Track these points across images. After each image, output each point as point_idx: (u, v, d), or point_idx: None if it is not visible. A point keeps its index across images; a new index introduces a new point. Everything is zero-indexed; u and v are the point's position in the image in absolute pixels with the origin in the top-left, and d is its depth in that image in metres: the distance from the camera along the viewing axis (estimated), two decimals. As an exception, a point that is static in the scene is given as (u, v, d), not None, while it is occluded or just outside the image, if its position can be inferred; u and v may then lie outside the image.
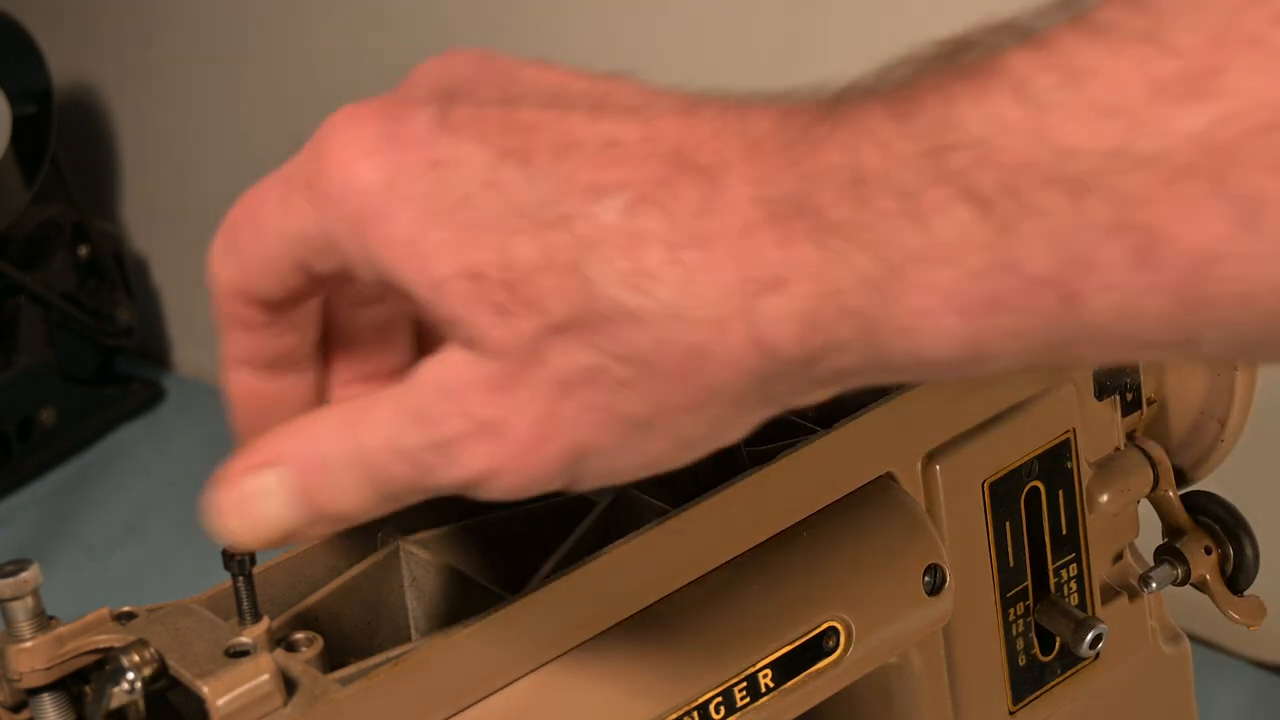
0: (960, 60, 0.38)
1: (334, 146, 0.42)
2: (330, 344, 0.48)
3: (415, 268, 0.41)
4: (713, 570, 0.55)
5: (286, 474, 0.44)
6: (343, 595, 0.54)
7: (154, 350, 1.66)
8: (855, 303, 0.38)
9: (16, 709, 0.48)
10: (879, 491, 0.58)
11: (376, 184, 0.41)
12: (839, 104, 0.39)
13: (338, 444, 0.43)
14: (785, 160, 0.39)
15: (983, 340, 0.38)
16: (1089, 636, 0.62)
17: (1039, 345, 0.38)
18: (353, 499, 0.44)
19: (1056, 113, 0.35)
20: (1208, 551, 0.67)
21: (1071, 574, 0.64)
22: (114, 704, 0.46)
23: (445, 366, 0.42)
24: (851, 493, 0.58)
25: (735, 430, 0.42)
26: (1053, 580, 0.64)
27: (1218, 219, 0.34)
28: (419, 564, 0.55)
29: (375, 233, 0.41)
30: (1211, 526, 0.67)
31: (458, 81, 0.44)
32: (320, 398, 0.48)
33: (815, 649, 0.55)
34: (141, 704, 0.46)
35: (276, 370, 0.47)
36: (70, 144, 1.57)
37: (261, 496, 0.44)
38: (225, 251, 0.45)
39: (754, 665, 0.54)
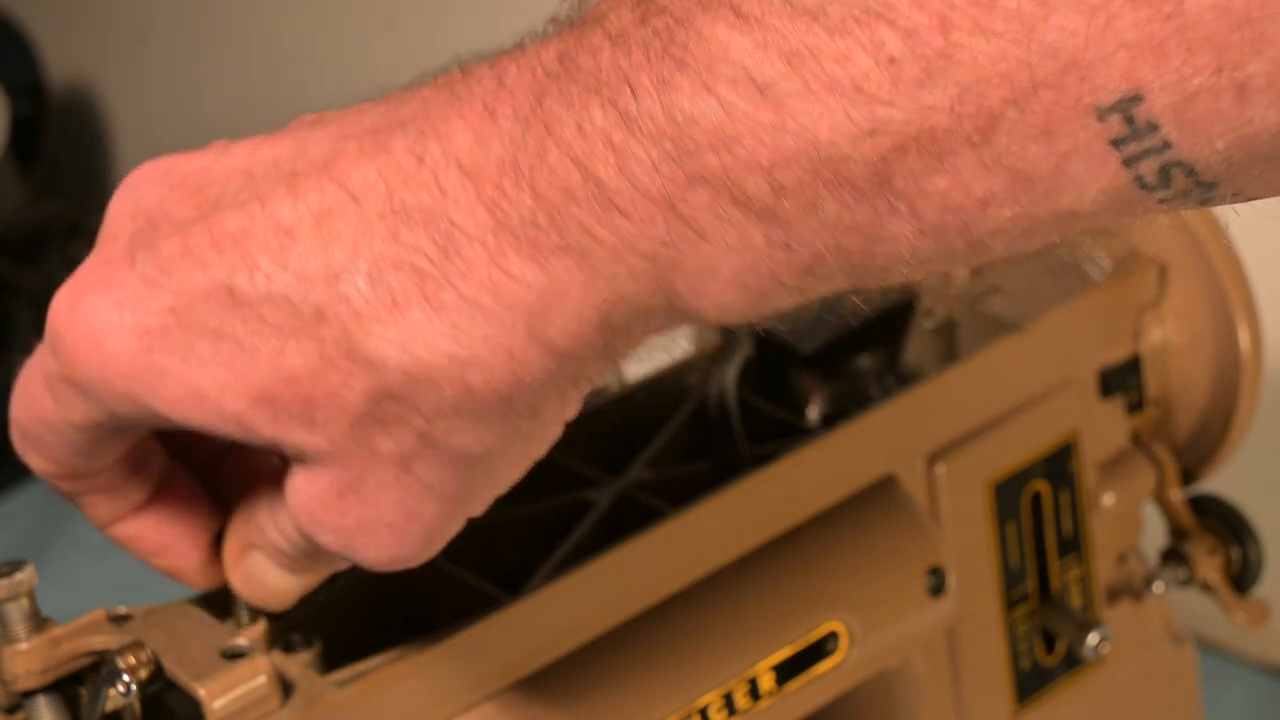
0: (654, 31, 0.36)
1: (73, 337, 0.41)
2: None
3: (210, 414, 0.41)
4: (713, 571, 0.55)
5: (262, 555, 0.47)
6: (341, 596, 0.54)
7: (151, 350, 1.66)
8: (637, 298, 0.38)
9: (11, 711, 0.48)
10: (881, 493, 0.58)
11: (131, 354, 0.41)
12: (541, 97, 0.38)
13: (273, 538, 0.46)
14: (512, 180, 0.38)
15: (770, 300, 0.38)
16: (1093, 639, 0.62)
17: (829, 288, 0.38)
18: (316, 565, 0.47)
19: (794, 102, 0.35)
20: (1212, 553, 0.67)
21: (1076, 576, 0.64)
22: (109, 706, 0.46)
23: (294, 492, 0.42)
24: (853, 494, 0.58)
25: (572, 407, 0.42)
26: (1056, 582, 0.63)
27: (991, 183, 0.34)
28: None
29: (157, 397, 0.41)
30: (1216, 528, 0.67)
31: (151, 211, 0.43)
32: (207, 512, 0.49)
33: (817, 651, 0.55)
34: (137, 706, 0.46)
35: (148, 507, 0.48)
36: (68, 143, 1.57)
37: (260, 575, 0.47)
38: (29, 450, 0.45)
39: (755, 667, 0.54)
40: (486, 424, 0.40)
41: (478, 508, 0.43)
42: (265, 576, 0.47)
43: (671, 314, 0.39)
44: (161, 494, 0.48)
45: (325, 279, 0.39)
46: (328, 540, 0.43)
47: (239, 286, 0.40)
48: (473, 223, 0.38)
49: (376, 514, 0.42)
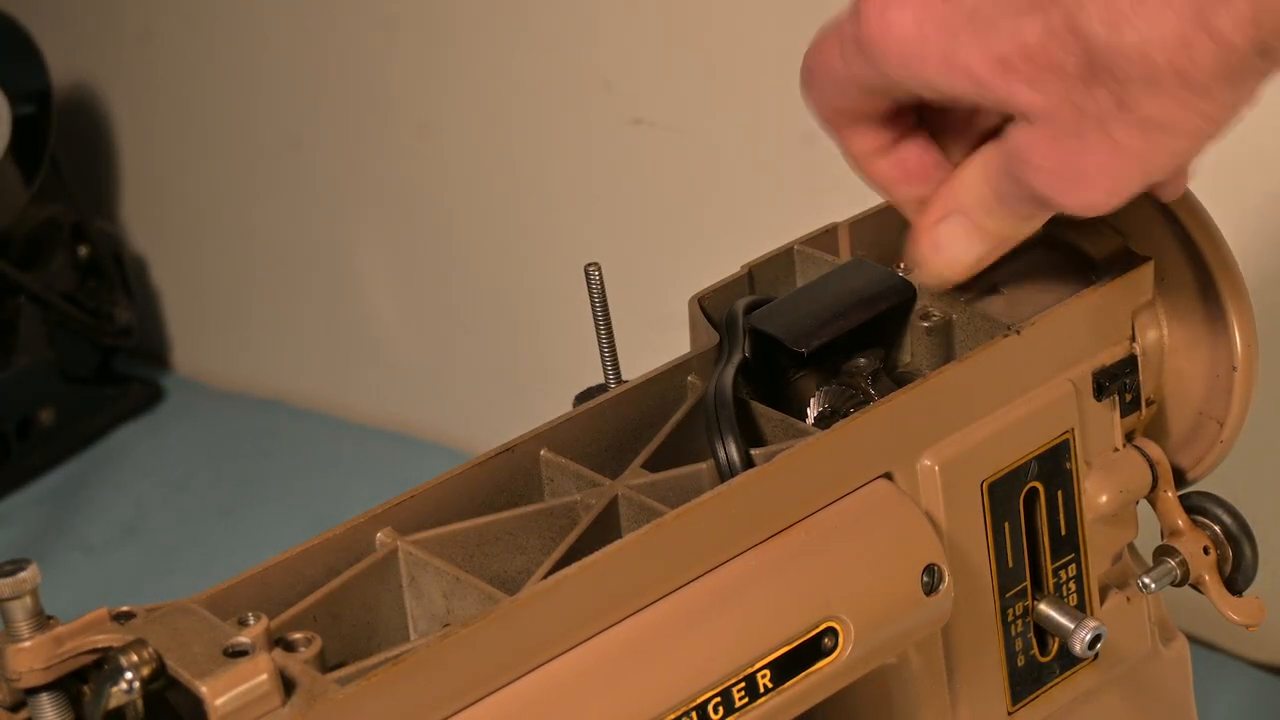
0: None
1: (871, 11, 0.53)
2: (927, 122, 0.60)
3: (960, 79, 0.52)
4: (711, 570, 0.55)
5: (961, 219, 0.58)
6: (341, 595, 0.54)
7: (153, 350, 1.66)
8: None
9: (15, 709, 0.48)
10: (877, 491, 0.58)
11: (909, 31, 0.52)
12: None
13: (979, 192, 0.57)
14: None
15: None
16: (1087, 637, 0.62)
17: None
18: (1004, 225, 0.57)
19: None
20: (1206, 552, 0.67)
21: (1070, 574, 0.64)
22: (112, 704, 0.46)
23: (1013, 136, 0.53)
24: (850, 493, 0.58)
25: (1241, 97, 0.51)
26: (1051, 580, 0.64)
27: None
28: (418, 564, 0.55)
29: (921, 64, 0.53)
30: (1210, 527, 0.67)
31: None
32: (940, 160, 0.60)
33: (814, 649, 0.56)
34: (140, 704, 0.47)
35: (891, 150, 0.59)
36: (70, 144, 1.57)
37: (952, 240, 0.58)
38: (809, 88, 0.58)
39: (752, 665, 0.54)
40: (1169, 96, 0.50)
41: (1157, 174, 0.53)
42: (952, 243, 0.58)
43: None
44: (905, 143, 0.59)
45: None
46: (1033, 177, 0.53)
47: None
48: None
49: (1075, 161, 0.52)
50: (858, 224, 0.67)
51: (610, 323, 0.63)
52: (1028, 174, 0.54)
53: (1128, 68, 0.50)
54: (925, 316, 0.64)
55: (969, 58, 0.52)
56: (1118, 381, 0.65)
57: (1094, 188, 0.53)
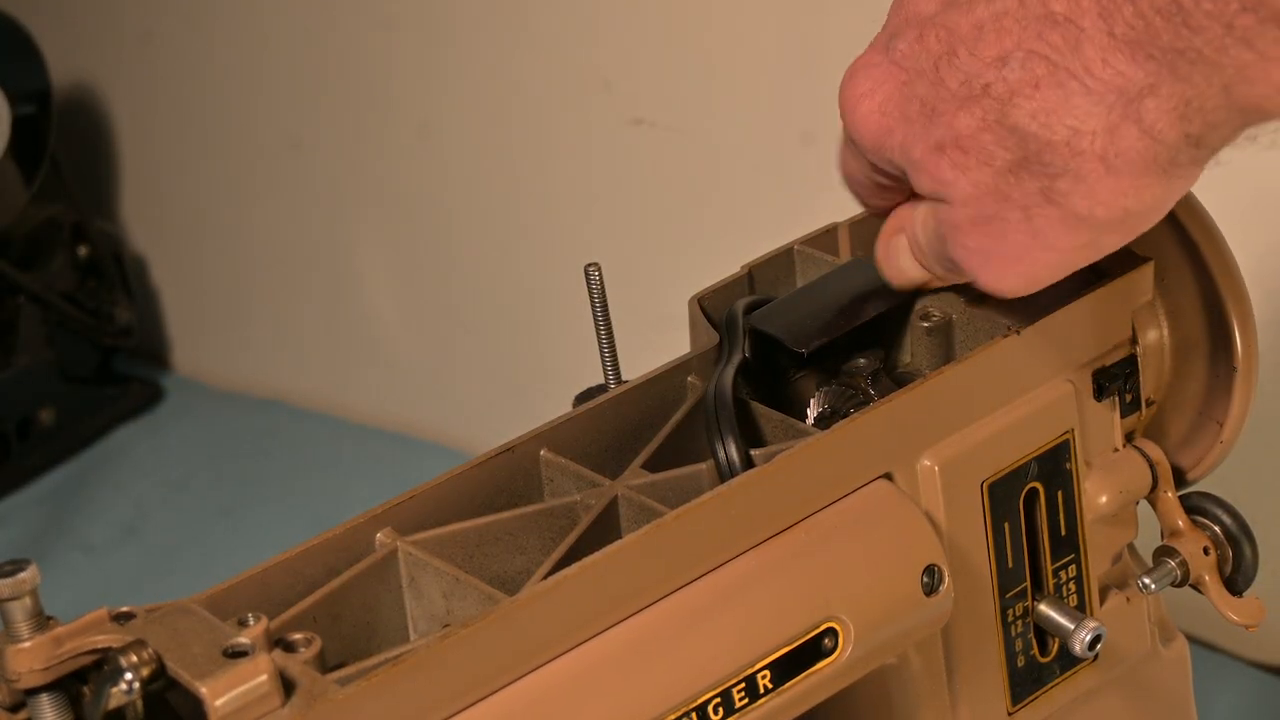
0: None
1: (845, 104, 0.57)
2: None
3: (908, 158, 0.56)
4: (711, 570, 0.55)
5: (906, 242, 0.61)
6: (341, 595, 0.54)
7: (153, 350, 1.66)
8: (1207, 98, 0.50)
9: (15, 709, 0.48)
10: (877, 492, 0.58)
11: (872, 116, 0.56)
12: None
13: (915, 233, 0.60)
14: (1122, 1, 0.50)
15: None
16: (1087, 637, 0.62)
17: None
18: (935, 269, 0.60)
19: None
20: (1206, 552, 0.67)
21: (1070, 575, 0.64)
22: (112, 704, 0.46)
23: (940, 210, 0.56)
24: (850, 493, 0.58)
25: (1170, 190, 0.53)
26: (1051, 581, 0.64)
27: None
28: (417, 564, 0.55)
29: (888, 148, 0.56)
30: (1210, 527, 0.67)
31: (910, 14, 0.56)
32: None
33: (814, 649, 0.56)
34: (140, 704, 0.47)
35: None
36: (70, 144, 1.57)
37: (899, 255, 0.61)
38: (855, 196, 0.62)
39: (752, 666, 0.54)
40: (1096, 189, 0.52)
41: (1078, 264, 0.55)
42: (899, 258, 0.61)
43: (1240, 114, 0.50)
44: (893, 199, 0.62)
45: (994, 63, 0.53)
46: (955, 250, 0.57)
47: (941, 68, 0.54)
48: (1093, 29, 0.50)
49: (995, 245, 0.55)
50: (858, 224, 0.68)
51: (610, 323, 0.63)
52: (951, 245, 0.57)
53: (1056, 160, 0.52)
54: (925, 316, 0.64)
55: (912, 142, 0.55)
56: (1118, 382, 0.65)
57: (1009, 272, 0.56)
